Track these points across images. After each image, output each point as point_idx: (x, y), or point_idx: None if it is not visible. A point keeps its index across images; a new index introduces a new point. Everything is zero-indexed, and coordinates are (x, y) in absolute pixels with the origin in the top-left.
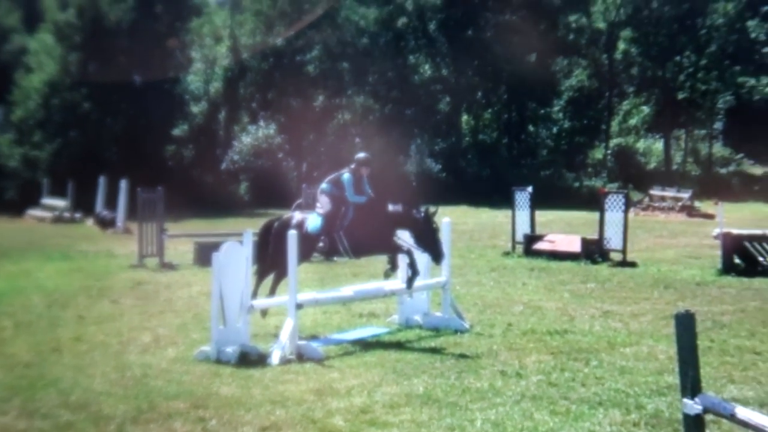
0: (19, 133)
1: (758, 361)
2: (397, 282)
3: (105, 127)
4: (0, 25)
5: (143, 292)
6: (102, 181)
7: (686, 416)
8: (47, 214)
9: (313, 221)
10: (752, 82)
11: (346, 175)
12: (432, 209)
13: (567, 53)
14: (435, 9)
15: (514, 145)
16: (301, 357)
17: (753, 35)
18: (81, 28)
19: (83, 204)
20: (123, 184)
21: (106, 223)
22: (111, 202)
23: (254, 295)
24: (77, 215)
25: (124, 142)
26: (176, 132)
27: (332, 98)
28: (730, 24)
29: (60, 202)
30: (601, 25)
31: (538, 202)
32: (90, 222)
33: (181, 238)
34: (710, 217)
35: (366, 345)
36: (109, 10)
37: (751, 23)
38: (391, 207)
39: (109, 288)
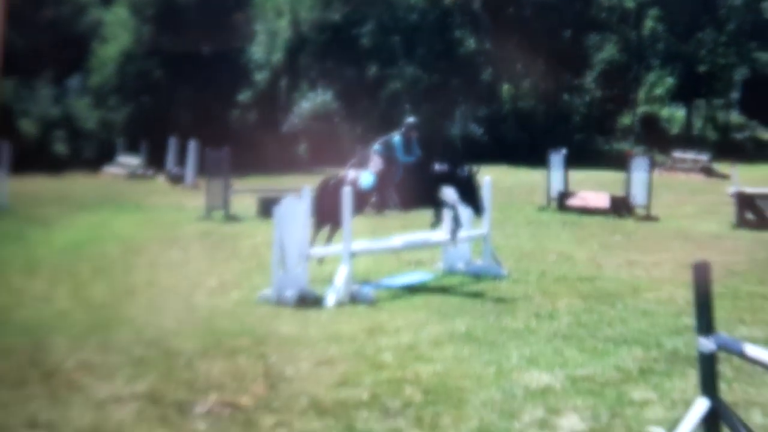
0: (96, 98)
1: (767, 305)
2: (442, 233)
3: (176, 93)
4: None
5: (210, 241)
6: (172, 141)
7: (701, 353)
8: (122, 171)
9: (366, 178)
10: (767, 57)
11: (396, 138)
12: (474, 168)
13: (599, 30)
14: None
15: (551, 112)
16: (354, 300)
17: (767, 16)
18: (153, 3)
19: (155, 162)
20: (192, 144)
21: (176, 180)
22: (181, 161)
23: (312, 244)
24: (149, 172)
25: (192, 107)
26: (241, 98)
27: (384, 68)
28: (747, 4)
29: (134, 160)
30: (631, 4)
31: (570, 163)
32: (161, 178)
33: (245, 193)
34: (726, 177)
35: (413, 289)
36: None
37: (765, 5)
38: (437, 166)
39: (179, 237)
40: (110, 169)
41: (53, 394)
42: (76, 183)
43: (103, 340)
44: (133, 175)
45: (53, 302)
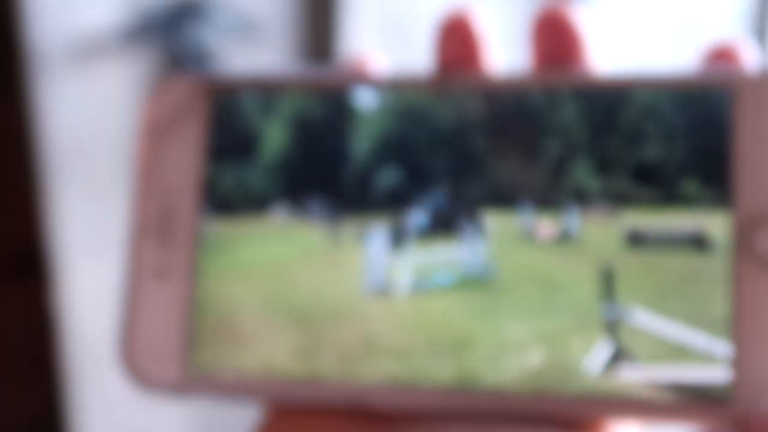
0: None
1: None
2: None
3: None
4: None
5: (326, 256)
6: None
7: (606, 318)
8: (275, 218)
9: (417, 217)
10: None
11: (436, 192)
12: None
13: None
14: None
15: None
16: (414, 289)
17: None
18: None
19: (297, 208)
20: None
21: (299, 217)
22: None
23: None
24: (292, 218)
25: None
26: None
27: None
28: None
29: (283, 207)
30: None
31: None
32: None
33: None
34: None
35: (452, 282)
36: None
37: None
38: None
39: (305, 253)
40: (267, 217)
41: (223, 345)
42: (247, 227)
43: (262, 314)
44: (279, 221)
45: (233, 295)
